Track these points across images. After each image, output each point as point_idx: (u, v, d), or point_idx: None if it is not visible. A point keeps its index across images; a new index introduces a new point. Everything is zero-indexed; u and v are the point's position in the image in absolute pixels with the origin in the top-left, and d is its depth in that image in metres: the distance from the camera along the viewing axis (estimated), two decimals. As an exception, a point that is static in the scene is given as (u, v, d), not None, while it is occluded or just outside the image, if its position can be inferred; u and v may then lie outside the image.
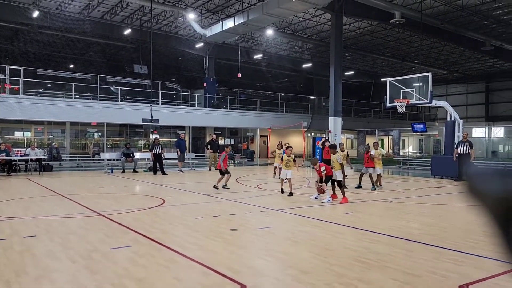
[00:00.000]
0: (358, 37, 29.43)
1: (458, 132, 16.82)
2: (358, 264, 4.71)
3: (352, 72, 38.23)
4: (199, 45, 28.92)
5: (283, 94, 34.34)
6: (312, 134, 32.07)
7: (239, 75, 28.72)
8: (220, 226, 6.87)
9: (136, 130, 28.27)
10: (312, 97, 35.81)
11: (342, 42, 25.21)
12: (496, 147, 39.00)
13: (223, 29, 24.51)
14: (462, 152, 14.99)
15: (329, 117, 24.11)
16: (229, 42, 29.46)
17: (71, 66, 34.26)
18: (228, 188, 11.83)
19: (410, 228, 7.05)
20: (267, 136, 33.53)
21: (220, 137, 31.97)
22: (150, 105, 21.40)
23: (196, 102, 28.23)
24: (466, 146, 14.99)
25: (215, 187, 11.93)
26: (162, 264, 4.66)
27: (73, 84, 23.12)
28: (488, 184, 0.67)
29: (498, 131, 39.15)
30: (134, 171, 18.46)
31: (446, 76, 41.12)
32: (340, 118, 24.15)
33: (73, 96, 22.97)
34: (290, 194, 10.73)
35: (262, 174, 19.52)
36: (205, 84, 29.72)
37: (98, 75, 25.61)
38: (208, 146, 20.71)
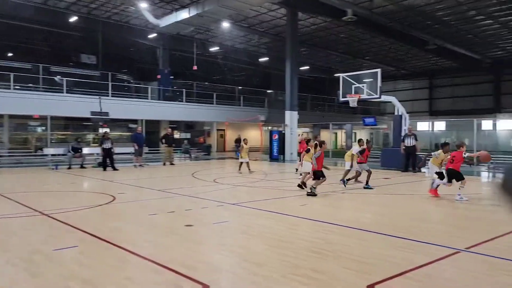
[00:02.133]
0: (313, 33, 29.90)
1: (405, 126, 17.60)
2: (313, 255, 4.78)
3: (307, 67, 38.84)
4: (153, 35, 28.12)
5: (240, 87, 34.27)
6: (269, 127, 32.29)
7: (195, 67, 28.27)
8: (175, 222, 6.73)
9: (84, 123, 27.02)
10: (269, 91, 36.03)
11: (298, 37, 25.52)
12: (438, 139, 41.41)
13: (178, 20, 23.96)
14: (408, 145, 15.77)
15: (286, 111, 24.38)
16: (184, 33, 28.88)
17: (10, 54, 31.99)
18: (315, 195, 9.58)
19: (363, 217, 7.28)
20: (224, 130, 33.41)
21: (176, 131, 31.37)
22: (99, 97, 20.55)
23: (149, 95, 27.46)
24: (412, 139, 15.80)
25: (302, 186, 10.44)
26: (112, 264, 4.47)
27: (11, 74, 21.60)
28: None
29: (440, 125, 41.55)
30: (82, 167, 17.63)
31: (394, 72, 42.86)
32: (296, 112, 24.49)
33: (11, 87, 21.49)
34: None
35: (220, 168, 19.41)
36: (159, 76, 28.98)
37: (41, 65, 24.09)
38: (163, 140, 20.26)
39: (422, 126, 42.54)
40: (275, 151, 24.32)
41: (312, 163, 9.90)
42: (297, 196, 9.75)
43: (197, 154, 26.60)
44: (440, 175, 9.52)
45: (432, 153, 10.14)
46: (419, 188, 11.82)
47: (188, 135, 31.94)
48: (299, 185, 10.54)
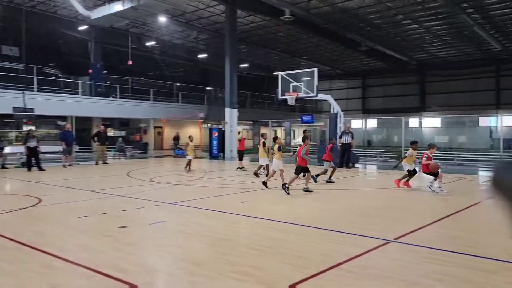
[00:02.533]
0: (252, 30, 30.08)
1: (340, 123, 18.32)
2: (251, 252, 4.77)
3: (247, 65, 39.01)
4: (83, 27, 26.55)
5: (178, 84, 33.54)
6: (209, 125, 32.01)
7: (130, 62, 27.15)
8: (108, 224, 6.38)
9: (5, 120, 24.89)
10: (208, 88, 35.66)
11: (237, 34, 25.51)
12: (371, 136, 43.87)
13: (111, 12, 22.82)
14: (345, 142, 16.43)
15: (225, 108, 24.29)
16: (118, 26, 27.62)
17: None
18: (311, 191, 9.66)
19: (300, 213, 7.42)
20: (161, 127, 32.51)
21: (110, 128, 29.99)
22: (23, 92, 19.01)
23: (80, 90, 25.92)
24: (349, 136, 16.48)
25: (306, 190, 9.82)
26: (36, 270, 4.12)
27: None
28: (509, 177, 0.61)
29: (373, 122, 43.98)
30: (3, 167, 16.22)
31: (330, 72, 44.50)
32: (236, 110, 24.49)
33: None
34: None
35: (157, 166, 18.86)
36: (90, 71, 27.44)
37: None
38: (95, 138, 19.24)
39: (356, 123, 44.69)
40: (215, 149, 24.15)
41: (300, 158, 9.73)
42: (236, 193, 9.73)
43: (133, 152, 25.65)
44: (412, 173, 10.22)
45: (407, 153, 10.70)
46: (354, 183, 12.34)
47: (123, 133, 30.67)
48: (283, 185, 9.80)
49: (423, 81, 41.48)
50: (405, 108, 40.46)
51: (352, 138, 16.56)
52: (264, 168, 13.07)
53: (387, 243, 5.22)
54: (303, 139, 10.19)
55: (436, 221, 6.59)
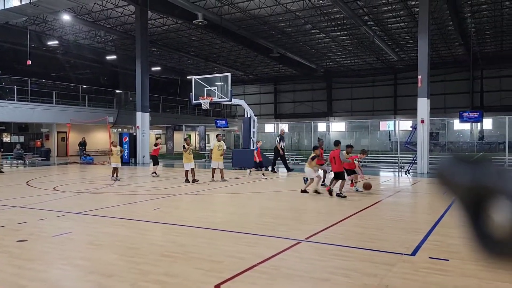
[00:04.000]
0: (164, 33, 29.47)
1: (254, 128, 18.77)
2: (164, 259, 4.70)
3: (159, 68, 38.06)
4: (-28, 22, 23.67)
5: (84, 86, 31.45)
6: (119, 129, 30.53)
7: (28, 62, 24.83)
8: (4, 239, 5.79)
9: None
10: (118, 91, 34.01)
11: (148, 36, 24.80)
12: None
13: (6, 7, 20.67)
14: (282, 147, 16.57)
15: (137, 112, 23.42)
16: (15, 23, 25.12)
17: None
18: (344, 197, 9.54)
19: (214, 217, 7.47)
20: (66, 132, 30.21)
21: (5, 134, 27.13)
22: None
23: (-32, 92, 23.08)
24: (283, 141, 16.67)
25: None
26: None
27: None
28: (458, 174, 0.65)
29: (284, 127, 45.75)
30: None
31: (243, 77, 45.40)
32: (148, 114, 23.78)
33: None
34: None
35: (61, 174, 17.50)
36: (-19, 70, 24.58)
37: None
38: (-13, 144, 17.28)
39: (269, 128, 46.20)
40: (126, 155, 23.13)
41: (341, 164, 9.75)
42: (148, 200, 9.47)
43: (33, 159, 23.48)
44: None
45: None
46: (266, 186, 12.75)
47: (22, 139, 27.92)
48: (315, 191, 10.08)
49: (330, 87, 44.32)
50: (314, 113, 42.87)
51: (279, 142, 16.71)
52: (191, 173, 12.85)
53: (298, 243, 5.50)
54: (315, 148, 10.55)
55: (343, 220, 7.10)
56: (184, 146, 13.05)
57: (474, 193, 0.62)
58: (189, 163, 12.79)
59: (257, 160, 14.63)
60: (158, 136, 15.86)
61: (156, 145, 15.93)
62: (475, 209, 0.62)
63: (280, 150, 16.52)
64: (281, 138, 16.73)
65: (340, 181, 9.74)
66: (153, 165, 15.72)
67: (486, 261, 0.59)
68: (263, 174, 14.58)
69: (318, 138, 17.18)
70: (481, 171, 0.62)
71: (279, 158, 16.78)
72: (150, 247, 5.26)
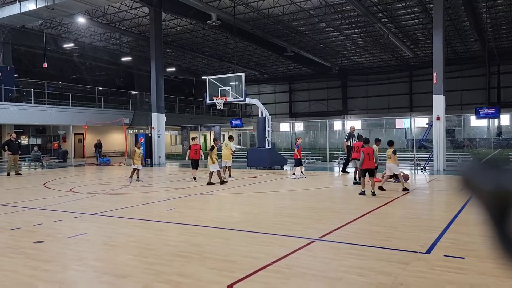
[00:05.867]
0: (179, 34, 29.63)
1: (269, 127, 18.68)
2: (178, 259, 4.67)
3: (174, 69, 38.29)
4: (-10, 27, 24.21)
5: (100, 88, 31.88)
6: (135, 131, 30.84)
7: (45, 65, 25.28)
8: (21, 240, 5.85)
9: None
10: (133, 92, 34.37)
11: (162, 38, 24.95)
12: (299, 139, 45.32)
13: (22, 11, 21.07)
14: (350, 145, 14.42)
15: (152, 113, 23.59)
16: (31, 26, 25.61)
17: None
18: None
19: (229, 217, 7.44)
20: (83, 134, 30.67)
21: (23, 136, 27.68)
22: None
23: (-13, 95, 23.59)
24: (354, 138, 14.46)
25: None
26: None
27: None
28: (483, 179, 0.63)
29: (299, 126, 45.57)
30: None
31: (258, 76, 45.34)
32: (164, 114, 23.90)
33: None
34: None
35: (77, 176, 17.75)
36: (-1, 74, 25.09)
37: None
38: (6, 147, 17.62)
39: (284, 127, 46.05)
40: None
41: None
42: (163, 200, 9.49)
43: (50, 161, 23.88)
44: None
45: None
46: (280, 185, 12.65)
47: (39, 141, 28.44)
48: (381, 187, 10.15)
49: (345, 85, 43.91)
50: (329, 112, 42.53)
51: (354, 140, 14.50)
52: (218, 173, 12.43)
53: (312, 241, 5.42)
54: (391, 144, 10.65)
55: (358, 218, 6.98)
56: (213, 147, 12.55)
57: (499, 198, 0.62)
58: (213, 164, 12.24)
59: (299, 157, 13.95)
60: (195, 136, 13.89)
61: (191, 147, 13.66)
62: (500, 214, 0.62)
63: (346, 148, 14.91)
64: (351, 135, 14.90)
65: (371, 178, 9.53)
66: (192, 168, 13.60)
67: (509, 265, 0.58)
68: (294, 174, 13.89)
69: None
70: (507, 177, 0.62)
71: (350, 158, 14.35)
72: (165, 248, 5.24)
